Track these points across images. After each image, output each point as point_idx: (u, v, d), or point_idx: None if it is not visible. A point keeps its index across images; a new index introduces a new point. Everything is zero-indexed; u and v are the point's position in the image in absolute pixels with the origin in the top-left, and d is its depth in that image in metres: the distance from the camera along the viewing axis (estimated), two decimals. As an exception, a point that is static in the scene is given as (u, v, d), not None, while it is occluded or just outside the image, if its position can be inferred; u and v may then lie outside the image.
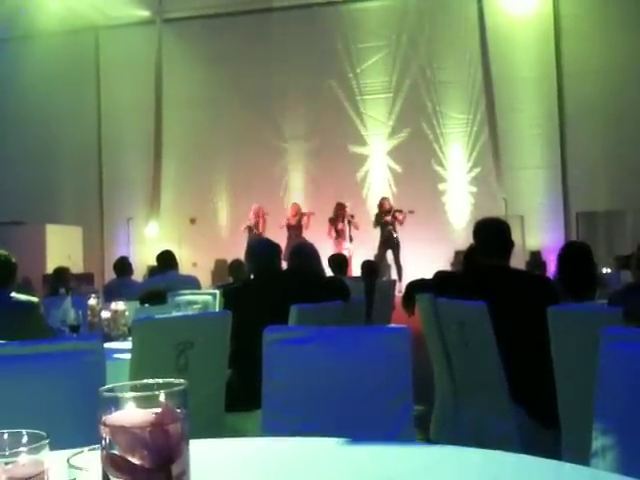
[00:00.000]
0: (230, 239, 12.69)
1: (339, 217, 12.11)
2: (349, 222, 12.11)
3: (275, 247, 3.73)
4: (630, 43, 11.97)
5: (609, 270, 8.89)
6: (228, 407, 2.85)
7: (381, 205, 11.90)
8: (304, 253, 4.11)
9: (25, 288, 7.32)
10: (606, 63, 12.08)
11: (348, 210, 12.12)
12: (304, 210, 12.37)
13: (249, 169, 13.31)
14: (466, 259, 4.76)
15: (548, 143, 12.76)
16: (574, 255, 3.69)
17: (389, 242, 11.74)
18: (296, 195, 13.17)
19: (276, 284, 3.47)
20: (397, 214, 11.73)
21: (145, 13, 13.80)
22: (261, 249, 3.72)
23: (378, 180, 13.16)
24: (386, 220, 11.76)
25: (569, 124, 12.78)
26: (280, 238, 9.19)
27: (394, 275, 11.37)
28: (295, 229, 12.10)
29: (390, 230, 11.74)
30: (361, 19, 13.40)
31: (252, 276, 3.73)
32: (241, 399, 2.84)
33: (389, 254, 11.82)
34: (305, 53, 13.13)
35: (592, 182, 12.14)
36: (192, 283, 5.97)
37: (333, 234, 12.09)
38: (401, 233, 11.91)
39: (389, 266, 11.71)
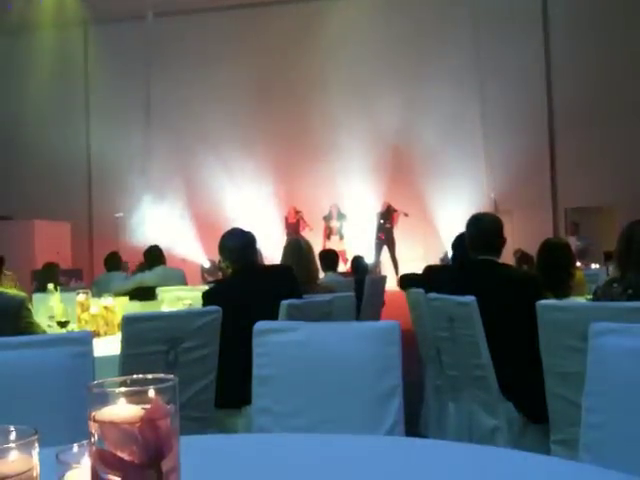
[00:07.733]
0: (220, 236, 12.66)
1: (332, 216, 12.79)
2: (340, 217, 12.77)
3: (247, 237, 3.38)
4: (619, 40, 12.02)
5: (597, 266, 8.92)
6: (218, 403, 2.83)
7: (386, 208, 12.60)
8: (297, 249, 4.05)
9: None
10: (595, 60, 12.13)
11: (340, 210, 12.80)
12: (299, 210, 12.87)
13: (241, 166, 13.29)
14: (455, 250, 4.75)
15: (537, 139, 12.80)
16: (550, 253, 3.73)
17: (385, 240, 12.51)
18: (289, 196, 13.22)
19: (251, 280, 3.32)
20: (394, 215, 12.56)
21: (135, 8, 13.71)
22: (232, 241, 3.38)
23: (372, 182, 13.20)
24: (381, 221, 12.59)
25: (558, 120, 12.83)
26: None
27: (389, 271, 11.57)
28: (294, 227, 12.68)
29: (388, 229, 12.55)
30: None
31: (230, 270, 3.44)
32: (231, 395, 2.83)
33: (385, 251, 12.52)
34: (302, 48, 13.04)
35: (581, 178, 12.20)
36: (179, 277, 5.99)
37: (327, 232, 12.83)
38: (396, 231, 12.48)
39: (380, 261, 12.13)
